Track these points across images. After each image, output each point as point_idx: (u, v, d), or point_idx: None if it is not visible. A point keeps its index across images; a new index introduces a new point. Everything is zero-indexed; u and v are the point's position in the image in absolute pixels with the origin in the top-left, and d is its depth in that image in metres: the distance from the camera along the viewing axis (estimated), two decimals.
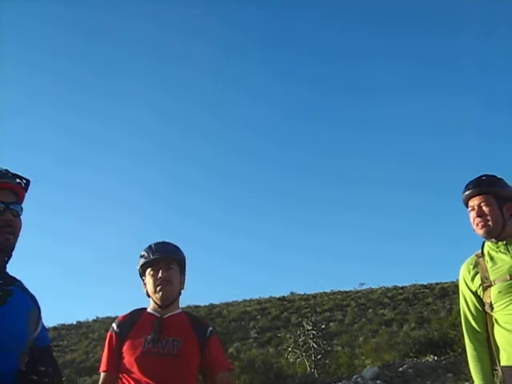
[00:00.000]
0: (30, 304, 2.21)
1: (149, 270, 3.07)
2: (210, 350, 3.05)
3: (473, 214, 3.10)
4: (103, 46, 72.00)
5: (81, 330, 39.48)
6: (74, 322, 42.70)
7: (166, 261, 3.05)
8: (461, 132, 66.15)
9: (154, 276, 3.04)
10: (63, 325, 42.20)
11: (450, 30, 67.40)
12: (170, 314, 3.06)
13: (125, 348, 2.94)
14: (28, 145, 66.35)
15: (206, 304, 42.26)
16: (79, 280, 67.16)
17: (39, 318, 2.25)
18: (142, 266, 3.10)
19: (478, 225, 3.09)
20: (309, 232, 65.62)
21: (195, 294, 74.90)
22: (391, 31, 69.76)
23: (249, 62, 74.42)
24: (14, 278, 2.18)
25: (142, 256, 3.10)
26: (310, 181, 69.53)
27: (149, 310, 3.11)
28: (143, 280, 3.13)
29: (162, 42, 72.13)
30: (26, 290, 2.22)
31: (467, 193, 3.13)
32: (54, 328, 41.19)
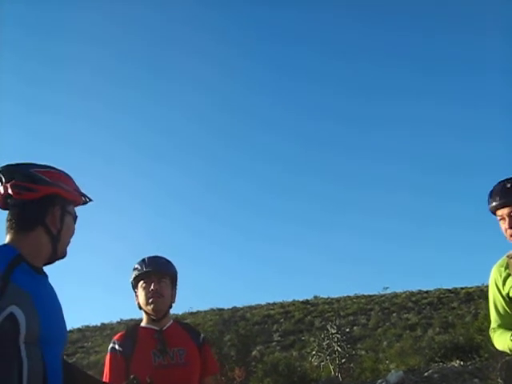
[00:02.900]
0: (58, 299, 2.24)
1: (141, 282, 3.13)
2: (205, 355, 3.17)
3: (504, 225, 3.03)
4: (125, 34, 72.09)
5: (105, 331, 39.76)
6: (99, 324, 43.11)
7: (158, 274, 3.11)
8: (486, 137, 65.11)
9: (146, 289, 3.10)
10: (88, 326, 42.57)
11: (474, 32, 66.37)
12: (167, 326, 3.13)
13: (133, 366, 2.95)
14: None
15: (230, 307, 42.37)
16: (104, 282, 67.72)
17: None
18: (134, 278, 3.16)
19: (511, 236, 3.03)
20: (333, 235, 65.39)
21: (219, 296, 75.30)
22: (413, 31, 69.00)
23: (260, 59, 73.94)
24: (44, 271, 2.21)
25: (134, 269, 3.16)
26: (334, 183, 69.17)
27: (143, 324, 3.16)
28: (135, 292, 3.19)
29: (171, 34, 71.93)
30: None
31: (494, 204, 3.05)
32: (79, 329, 41.58)
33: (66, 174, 2.20)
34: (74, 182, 2.22)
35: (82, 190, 2.27)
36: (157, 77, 72.79)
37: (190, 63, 71.33)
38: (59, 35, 72.06)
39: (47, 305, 2.03)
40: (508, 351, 3.00)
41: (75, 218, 2.22)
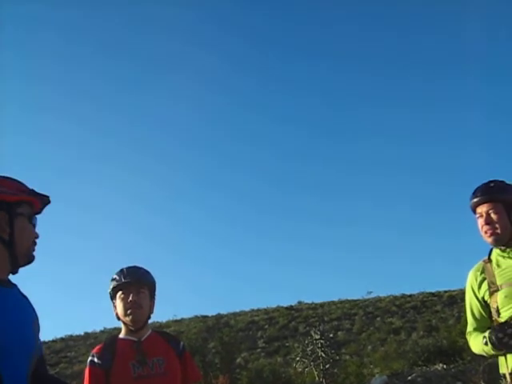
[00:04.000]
0: (31, 310, 2.20)
1: (119, 293, 3.11)
2: (185, 363, 3.16)
3: (481, 222, 3.07)
4: (107, 55, 71.79)
5: (88, 340, 39.45)
6: (82, 333, 42.76)
7: (136, 285, 3.09)
8: (465, 142, 65.58)
9: (125, 300, 3.07)
10: (71, 336, 42.24)
11: (451, 34, 66.87)
12: (145, 336, 3.11)
13: (113, 378, 2.94)
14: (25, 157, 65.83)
15: (214, 314, 42.29)
16: (86, 291, 67.12)
17: (39, 326, 2.25)
18: (112, 289, 3.13)
19: (486, 232, 3.06)
20: (316, 242, 65.67)
21: (203, 304, 75.14)
22: (392, 35, 69.45)
23: (245, 68, 74.10)
24: (11, 282, 2.17)
25: (113, 279, 3.14)
26: (317, 194, 69.33)
27: (121, 336, 3.14)
28: (114, 303, 3.16)
29: (162, 47, 71.82)
30: (24, 295, 2.21)
31: (475, 200, 3.09)
32: (62, 339, 41.25)
33: (7, 178, 2.15)
34: (18, 183, 2.17)
35: (36, 189, 2.22)
36: (156, 70, 72.55)
37: (179, 75, 71.03)
38: (54, 31, 71.30)
39: (8, 316, 1.99)
40: (484, 353, 3.02)
41: (30, 217, 2.17)
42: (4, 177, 2.16)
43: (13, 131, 68.40)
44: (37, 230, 2.23)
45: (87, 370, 3.02)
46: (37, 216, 2.24)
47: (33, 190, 2.21)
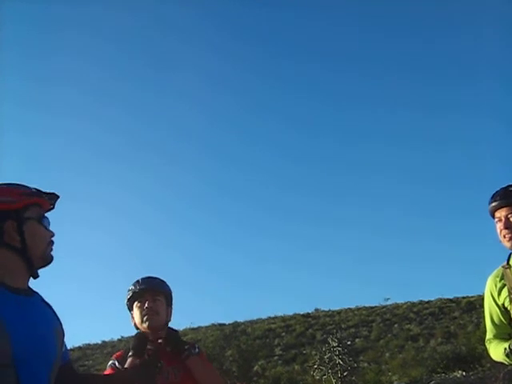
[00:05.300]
0: (53, 318, 2.20)
1: (136, 302, 3.14)
2: None
3: (500, 226, 3.03)
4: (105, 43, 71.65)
5: (106, 349, 39.57)
6: (99, 342, 42.87)
7: (152, 292, 3.12)
8: (481, 148, 64.87)
9: (141, 307, 3.11)
10: (88, 344, 42.36)
11: (466, 36, 66.16)
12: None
13: None
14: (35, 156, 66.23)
15: (231, 322, 42.24)
16: (104, 299, 67.38)
17: (64, 333, 2.24)
18: (129, 299, 3.17)
19: (505, 237, 3.02)
20: (333, 249, 65.40)
21: (220, 311, 75.09)
22: (404, 36, 69.00)
23: (248, 68, 73.83)
24: (32, 290, 2.16)
25: (129, 290, 3.17)
26: (335, 201, 69.02)
27: None
28: (131, 314, 3.19)
29: (158, 44, 71.65)
30: (47, 303, 2.20)
31: (494, 204, 3.05)
32: (79, 348, 41.38)
33: (5, 185, 2.11)
34: (18, 187, 2.12)
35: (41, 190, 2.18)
36: (158, 68, 72.52)
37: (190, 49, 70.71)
38: (57, 27, 71.29)
39: (25, 326, 1.98)
40: (504, 361, 2.99)
41: (40, 219, 2.13)
42: (3, 184, 2.12)
43: (21, 130, 68.83)
44: (51, 228, 2.20)
45: (107, 371, 3.04)
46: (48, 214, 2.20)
47: (37, 190, 2.17)
